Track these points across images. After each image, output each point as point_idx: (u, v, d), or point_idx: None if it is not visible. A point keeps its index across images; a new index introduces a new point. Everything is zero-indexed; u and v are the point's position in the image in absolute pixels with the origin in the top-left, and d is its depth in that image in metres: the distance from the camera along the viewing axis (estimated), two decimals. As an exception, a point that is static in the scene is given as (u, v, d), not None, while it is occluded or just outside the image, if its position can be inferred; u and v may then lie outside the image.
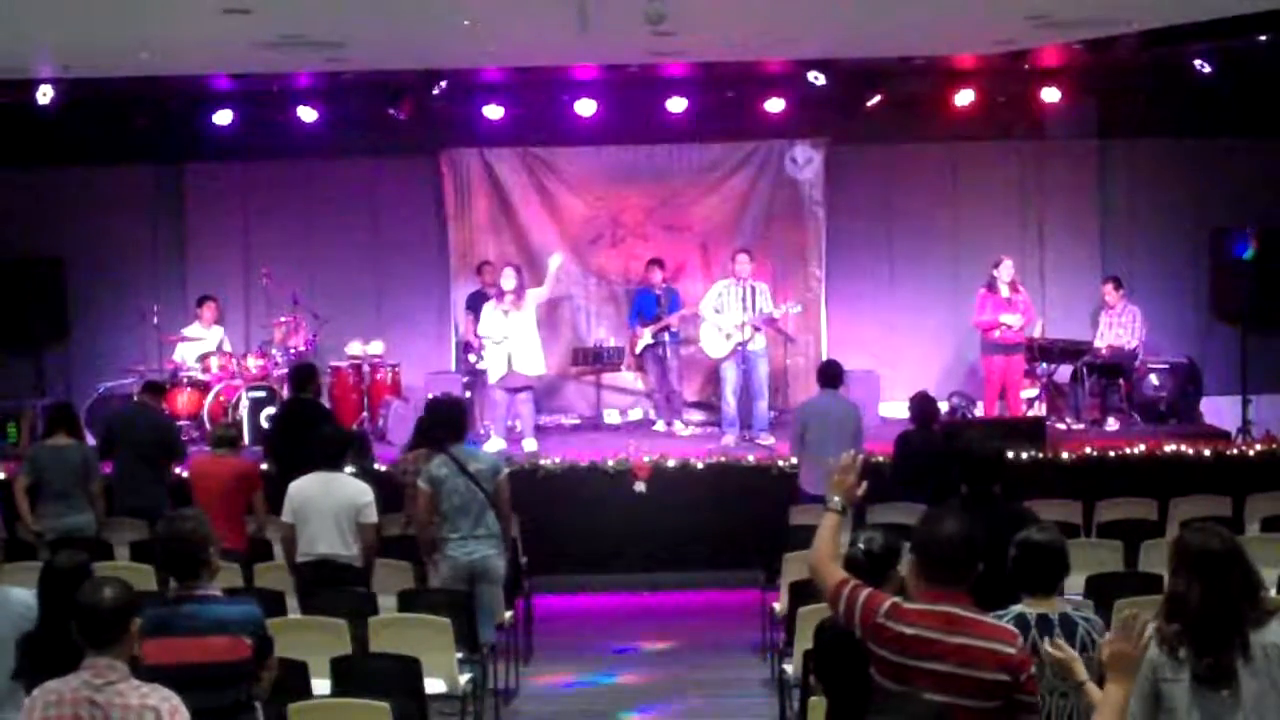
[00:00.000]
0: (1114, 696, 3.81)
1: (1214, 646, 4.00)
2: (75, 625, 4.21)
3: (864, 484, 4.47)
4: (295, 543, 7.58)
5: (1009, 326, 12.41)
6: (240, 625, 5.00)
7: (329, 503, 7.53)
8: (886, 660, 4.04)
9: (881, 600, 4.10)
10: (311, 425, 8.55)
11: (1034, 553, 4.62)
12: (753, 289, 12.24)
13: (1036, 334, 12.87)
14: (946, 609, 4.01)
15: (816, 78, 12.15)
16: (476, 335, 12.44)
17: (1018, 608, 4.52)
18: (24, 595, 5.18)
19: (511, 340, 11.85)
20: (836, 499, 4.43)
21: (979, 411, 12.81)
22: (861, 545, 4.66)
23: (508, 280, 11.91)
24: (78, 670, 4.16)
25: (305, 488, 7.63)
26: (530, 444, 11.84)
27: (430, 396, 10.72)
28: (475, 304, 12.82)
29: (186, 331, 12.83)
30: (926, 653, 3.97)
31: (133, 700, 4.10)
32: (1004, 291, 12.49)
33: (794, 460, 10.31)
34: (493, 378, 12.04)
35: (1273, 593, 7.28)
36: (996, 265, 12.56)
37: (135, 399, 10.74)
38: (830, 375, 9.96)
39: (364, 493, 7.61)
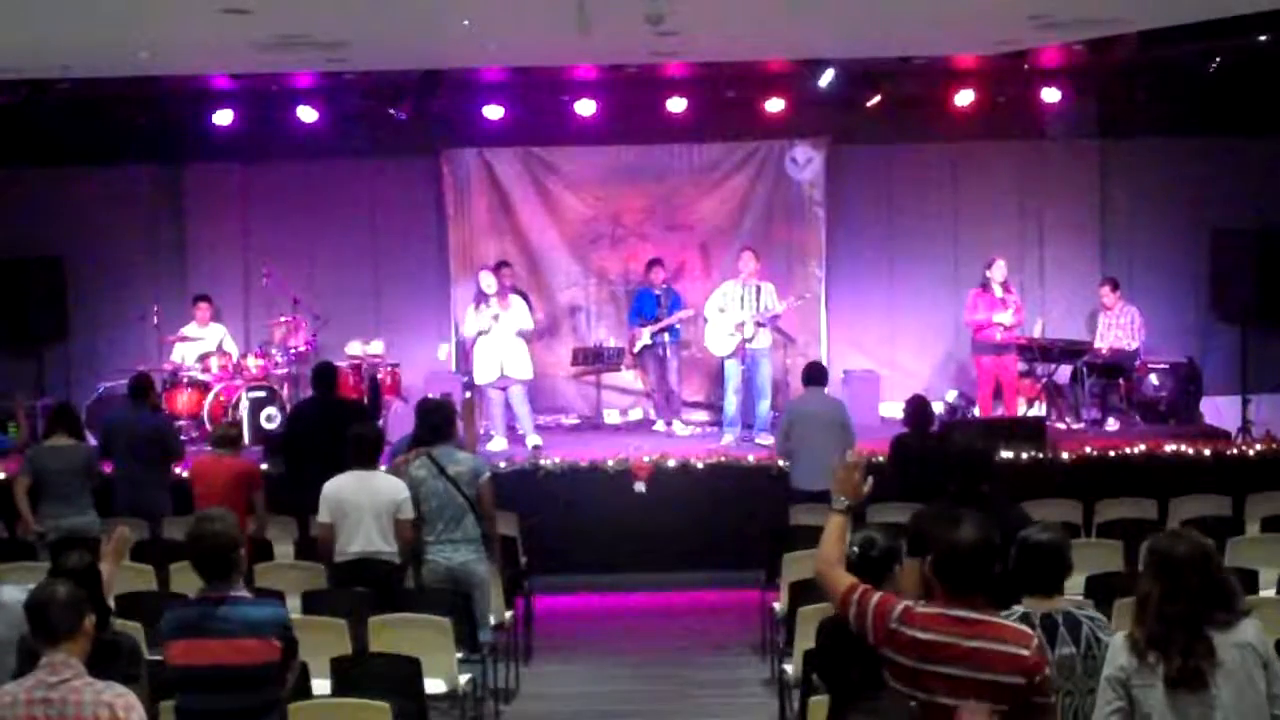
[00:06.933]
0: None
1: (1174, 649, 4.01)
2: (29, 624, 4.22)
3: (870, 480, 4.43)
4: (333, 542, 7.56)
5: (1002, 325, 12.41)
6: (271, 627, 5.03)
7: (368, 500, 7.50)
8: (901, 665, 4.01)
9: (893, 604, 4.06)
10: (341, 425, 8.51)
11: (1036, 552, 4.58)
12: (758, 288, 12.28)
13: (1036, 334, 12.86)
14: (960, 613, 3.99)
15: (821, 77, 12.10)
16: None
17: (1020, 608, 4.50)
18: (21, 595, 5.17)
19: (500, 343, 11.94)
20: (842, 499, 4.38)
21: (978, 412, 12.80)
22: (858, 547, 4.64)
23: (488, 283, 11.94)
24: (35, 669, 4.16)
25: (343, 486, 7.59)
26: (534, 439, 11.89)
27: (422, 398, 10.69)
28: None
29: (185, 331, 12.84)
30: (941, 656, 3.95)
31: (87, 697, 4.11)
32: (997, 291, 12.51)
33: (781, 462, 10.36)
34: (481, 378, 12.09)
35: (1273, 593, 7.35)
36: (989, 265, 12.59)
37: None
38: (814, 375, 10.06)
39: (401, 489, 7.57)
